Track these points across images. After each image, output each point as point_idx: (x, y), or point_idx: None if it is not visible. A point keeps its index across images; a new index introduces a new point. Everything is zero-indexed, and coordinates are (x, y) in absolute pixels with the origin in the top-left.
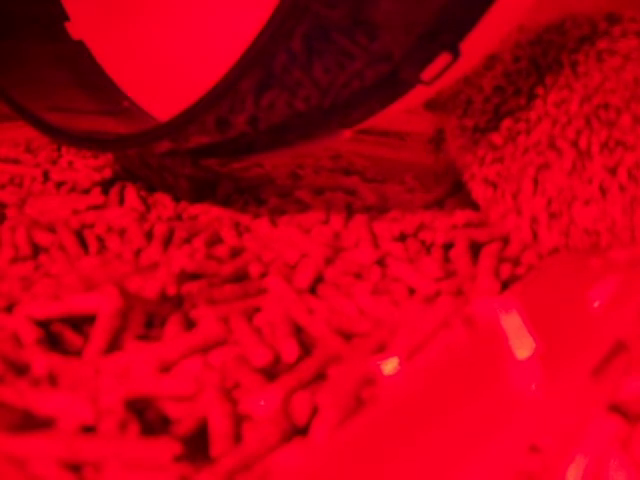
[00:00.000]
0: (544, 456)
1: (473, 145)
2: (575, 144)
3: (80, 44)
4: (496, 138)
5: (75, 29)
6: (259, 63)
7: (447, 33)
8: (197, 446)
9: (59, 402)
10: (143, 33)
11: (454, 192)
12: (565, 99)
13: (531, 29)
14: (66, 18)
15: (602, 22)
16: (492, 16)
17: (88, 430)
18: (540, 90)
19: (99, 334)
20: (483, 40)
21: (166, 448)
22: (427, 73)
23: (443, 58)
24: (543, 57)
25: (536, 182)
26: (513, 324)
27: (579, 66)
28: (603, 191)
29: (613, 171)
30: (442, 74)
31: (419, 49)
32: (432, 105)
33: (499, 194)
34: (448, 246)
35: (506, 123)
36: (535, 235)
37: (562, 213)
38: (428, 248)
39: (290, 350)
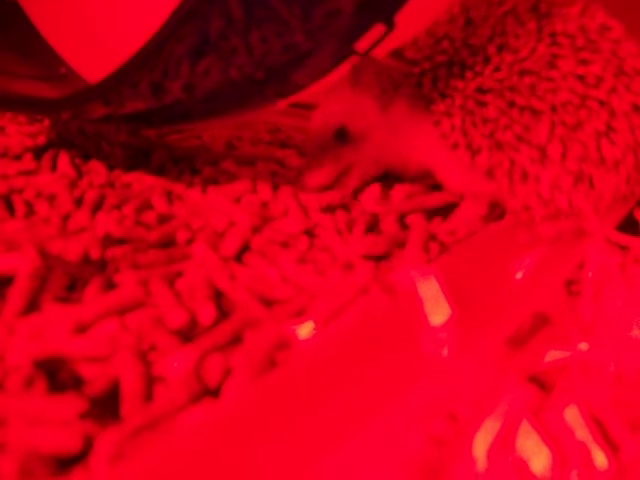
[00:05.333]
0: (458, 423)
1: (478, 107)
2: (606, 104)
3: (15, 6)
4: (518, 98)
5: None
6: (190, 24)
7: (383, 4)
8: (109, 407)
9: None
10: None
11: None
12: (587, 60)
13: None
14: None
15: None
16: None
17: None
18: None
19: (16, 295)
20: (419, 12)
21: (71, 405)
22: (361, 43)
23: (377, 29)
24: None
25: (564, 143)
26: (430, 291)
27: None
28: (624, 154)
29: (633, 131)
30: (376, 45)
31: (354, 20)
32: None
33: (516, 160)
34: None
35: (526, 81)
36: (549, 203)
37: (583, 177)
38: (355, 219)
39: (207, 313)
